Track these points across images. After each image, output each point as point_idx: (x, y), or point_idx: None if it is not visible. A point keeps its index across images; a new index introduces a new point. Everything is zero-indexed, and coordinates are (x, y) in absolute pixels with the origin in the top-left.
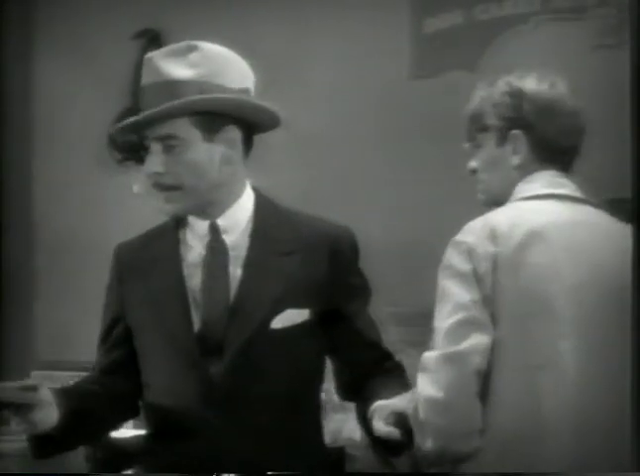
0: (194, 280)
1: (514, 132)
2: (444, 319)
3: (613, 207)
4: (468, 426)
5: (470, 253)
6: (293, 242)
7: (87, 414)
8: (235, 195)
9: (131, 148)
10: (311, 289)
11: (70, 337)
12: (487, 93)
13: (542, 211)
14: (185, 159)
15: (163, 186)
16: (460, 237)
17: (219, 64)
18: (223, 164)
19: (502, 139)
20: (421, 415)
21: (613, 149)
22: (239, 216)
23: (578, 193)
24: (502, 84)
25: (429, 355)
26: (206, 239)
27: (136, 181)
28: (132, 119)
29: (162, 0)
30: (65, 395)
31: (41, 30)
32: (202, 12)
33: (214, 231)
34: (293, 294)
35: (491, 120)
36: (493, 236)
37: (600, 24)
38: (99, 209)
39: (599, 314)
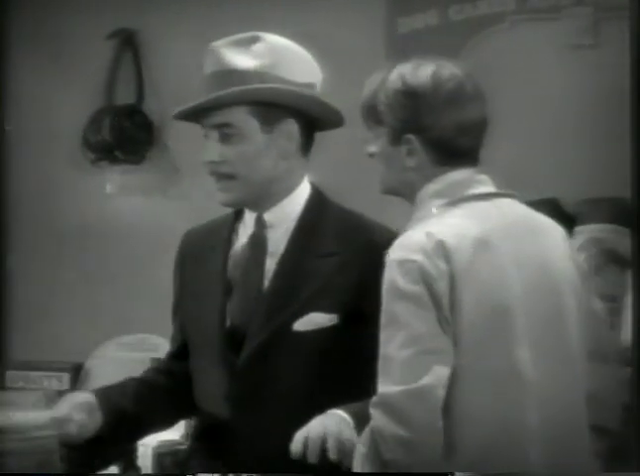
0: (236, 272)
1: (407, 136)
2: (397, 349)
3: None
4: (433, 461)
5: (421, 273)
6: (335, 244)
7: (136, 414)
8: (288, 190)
9: (104, 148)
10: (343, 293)
11: (45, 337)
12: (381, 87)
13: (479, 216)
14: (241, 149)
15: (218, 175)
16: (403, 255)
17: (282, 57)
18: (280, 157)
19: (396, 139)
20: (387, 455)
21: (586, 147)
22: (287, 211)
23: (496, 188)
24: (396, 79)
25: (389, 391)
26: (250, 232)
27: (109, 181)
28: (191, 104)
29: (137, 0)
30: (112, 396)
31: (13, 30)
32: (177, 12)
33: (259, 224)
34: (323, 297)
35: (386, 117)
36: (444, 251)
37: (576, 23)
38: (74, 208)
39: (550, 318)
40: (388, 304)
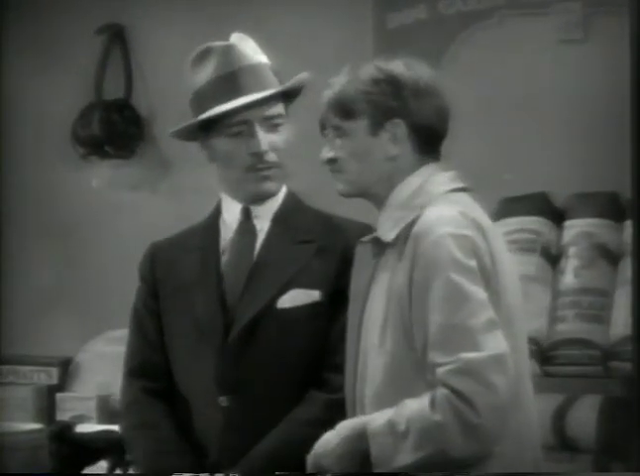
0: (228, 260)
1: (395, 121)
2: (469, 318)
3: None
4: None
5: (474, 248)
6: (311, 233)
7: None
8: None
9: (94, 143)
10: (321, 275)
11: (34, 331)
12: (353, 79)
13: (471, 205)
14: (285, 138)
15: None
16: (454, 230)
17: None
18: None
19: (377, 128)
20: (475, 419)
21: (575, 141)
22: (268, 206)
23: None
24: (372, 70)
25: (476, 357)
26: (236, 224)
27: (96, 176)
28: (256, 96)
29: None
30: None
31: (3, 26)
32: (166, 7)
33: (246, 215)
34: (304, 276)
35: (362, 107)
36: (481, 229)
37: (565, 18)
38: (63, 203)
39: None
40: (448, 276)
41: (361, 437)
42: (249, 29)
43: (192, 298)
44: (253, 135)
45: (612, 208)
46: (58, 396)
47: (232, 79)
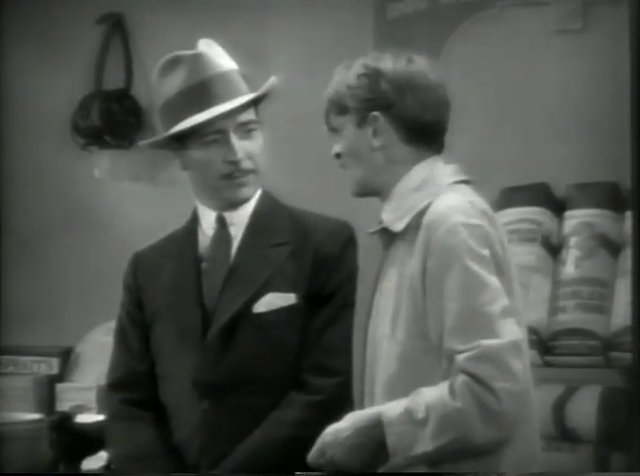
0: (206, 266)
1: (373, 114)
2: (487, 305)
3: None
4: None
5: (486, 237)
6: (285, 235)
7: None
8: None
9: (94, 133)
10: (295, 277)
11: (34, 322)
12: (344, 76)
13: (475, 196)
14: (258, 143)
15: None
16: (465, 219)
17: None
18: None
19: (362, 121)
20: (495, 406)
21: (575, 131)
22: (245, 208)
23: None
24: (358, 66)
25: (495, 344)
26: (212, 231)
27: (97, 166)
28: (230, 105)
29: None
30: None
31: (2, 15)
32: None
33: (221, 223)
34: (278, 281)
35: (349, 103)
36: (490, 219)
37: (565, 8)
38: (64, 193)
39: None
40: (465, 264)
41: (376, 427)
42: (249, 16)
43: (172, 305)
44: (228, 143)
45: (613, 199)
46: (59, 386)
47: (203, 89)
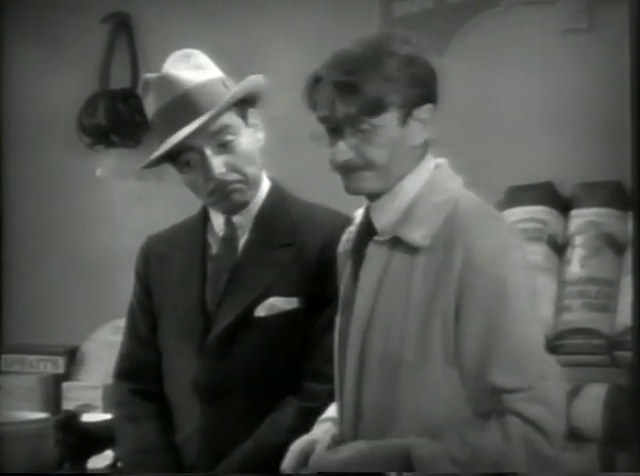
0: (212, 267)
1: (428, 106)
2: (531, 333)
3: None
4: None
5: (523, 249)
6: (292, 234)
7: None
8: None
9: (100, 132)
10: (300, 279)
11: (41, 321)
12: (373, 68)
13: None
14: (240, 149)
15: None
16: (511, 235)
17: (209, 63)
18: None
19: (406, 117)
20: (549, 451)
21: (580, 130)
22: (250, 209)
23: None
24: (387, 55)
25: (549, 385)
26: (221, 235)
27: (100, 165)
28: (196, 124)
29: None
30: None
31: (8, 14)
32: None
33: (230, 227)
34: (282, 284)
35: (391, 99)
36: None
37: (571, 7)
38: (68, 194)
39: None
40: (515, 283)
41: (399, 459)
42: (253, 17)
43: (176, 303)
44: (205, 162)
45: (619, 198)
46: (64, 385)
47: (168, 113)
